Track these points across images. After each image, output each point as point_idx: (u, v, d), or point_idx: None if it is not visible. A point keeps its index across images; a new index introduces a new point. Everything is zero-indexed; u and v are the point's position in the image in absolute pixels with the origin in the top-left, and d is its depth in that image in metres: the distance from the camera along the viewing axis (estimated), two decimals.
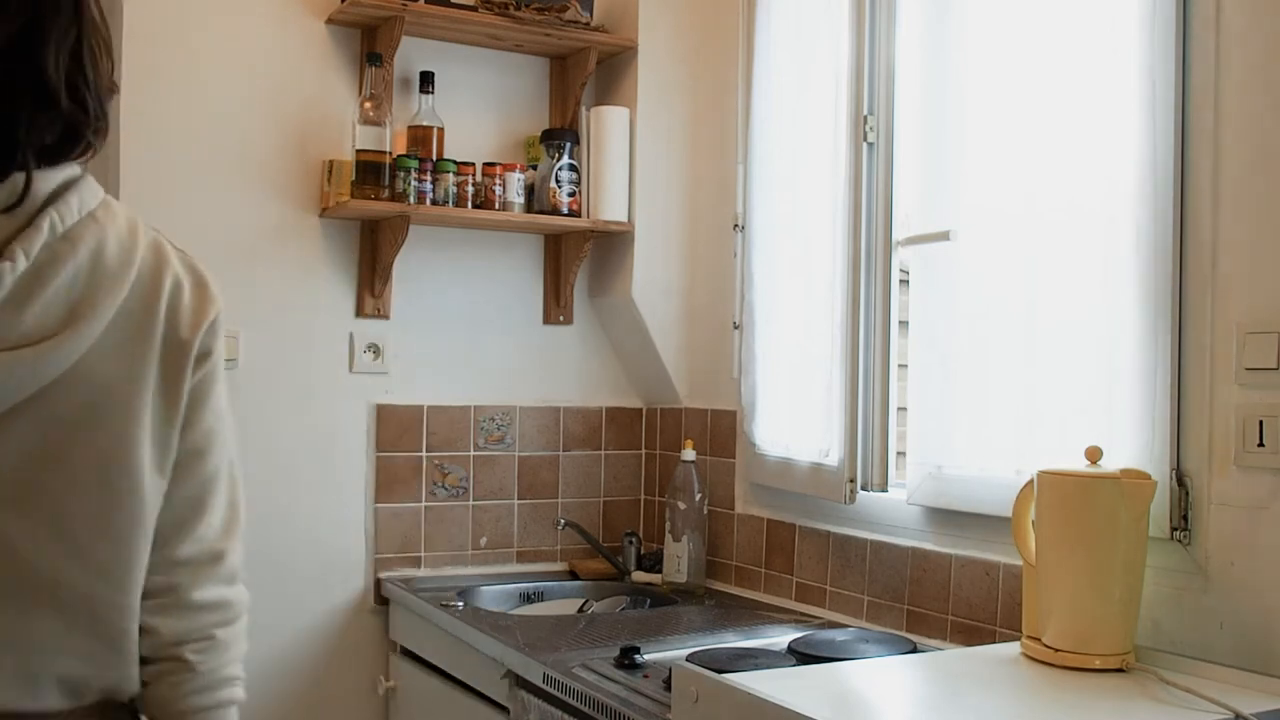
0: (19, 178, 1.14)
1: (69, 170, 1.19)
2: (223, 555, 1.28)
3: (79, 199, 1.18)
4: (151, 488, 1.21)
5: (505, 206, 2.85)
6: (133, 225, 1.25)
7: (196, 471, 1.26)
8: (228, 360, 2.79)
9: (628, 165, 2.95)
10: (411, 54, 2.84)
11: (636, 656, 2.05)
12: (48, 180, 1.16)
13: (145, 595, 1.22)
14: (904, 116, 2.42)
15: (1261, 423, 1.69)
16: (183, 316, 1.28)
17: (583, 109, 2.98)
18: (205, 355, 1.28)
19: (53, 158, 1.17)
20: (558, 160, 2.89)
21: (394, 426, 2.87)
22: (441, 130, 2.83)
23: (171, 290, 1.29)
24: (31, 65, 1.14)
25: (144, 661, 1.23)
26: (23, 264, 1.11)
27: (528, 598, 2.84)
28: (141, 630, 1.23)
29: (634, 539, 3.01)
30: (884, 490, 2.44)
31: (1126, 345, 1.86)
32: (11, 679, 1.15)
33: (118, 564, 1.20)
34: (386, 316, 2.87)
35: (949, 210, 2.19)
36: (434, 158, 2.79)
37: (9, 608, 1.15)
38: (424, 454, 2.91)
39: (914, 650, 2.06)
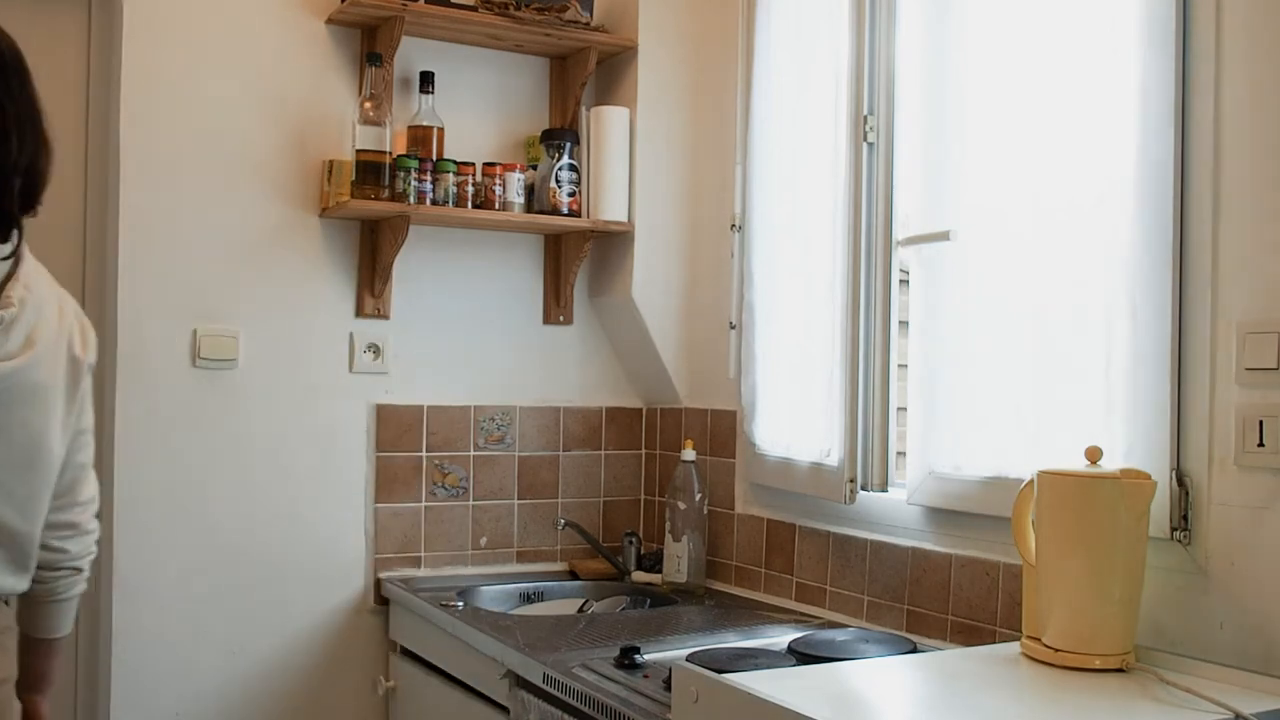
0: (15, 235, 1.67)
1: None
2: (96, 498, 1.89)
3: (28, 258, 1.70)
4: (58, 457, 1.77)
5: (505, 206, 2.85)
6: (47, 275, 1.75)
7: (84, 446, 1.84)
8: (227, 360, 2.81)
9: (628, 165, 2.95)
10: (411, 54, 2.84)
11: (636, 656, 2.05)
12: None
13: (55, 528, 1.80)
14: (904, 116, 2.42)
15: (1261, 423, 1.69)
16: (78, 343, 1.77)
17: (583, 109, 2.98)
18: (89, 369, 1.81)
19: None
20: (558, 160, 2.89)
21: (394, 426, 2.87)
22: (441, 130, 2.83)
23: (71, 324, 1.77)
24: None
25: (47, 568, 1.81)
26: (14, 309, 1.64)
27: (528, 598, 2.84)
28: (53, 549, 1.81)
29: (634, 539, 3.01)
30: (884, 490, 2.44)
31: (1126, 345, 1.86)
32: None
33: (34, 508, 1.74)
34: (386, 316, 2.87)
35: (949, 210, 2.19)
36: (434, 158, 2.79)
37: None
38: (424, 454, 2.91)
39: (914, 650, 2.06)
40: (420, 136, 2.81)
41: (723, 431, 2.88)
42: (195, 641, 2.67)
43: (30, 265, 1.70)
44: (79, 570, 1.87)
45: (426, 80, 2.82)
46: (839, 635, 2.17)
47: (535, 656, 2.13)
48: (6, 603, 1.77)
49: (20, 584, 1.77)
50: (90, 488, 1.87)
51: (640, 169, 2.97)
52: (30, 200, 1.67)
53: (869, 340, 2.45)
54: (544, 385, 3.06)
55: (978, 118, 2.13)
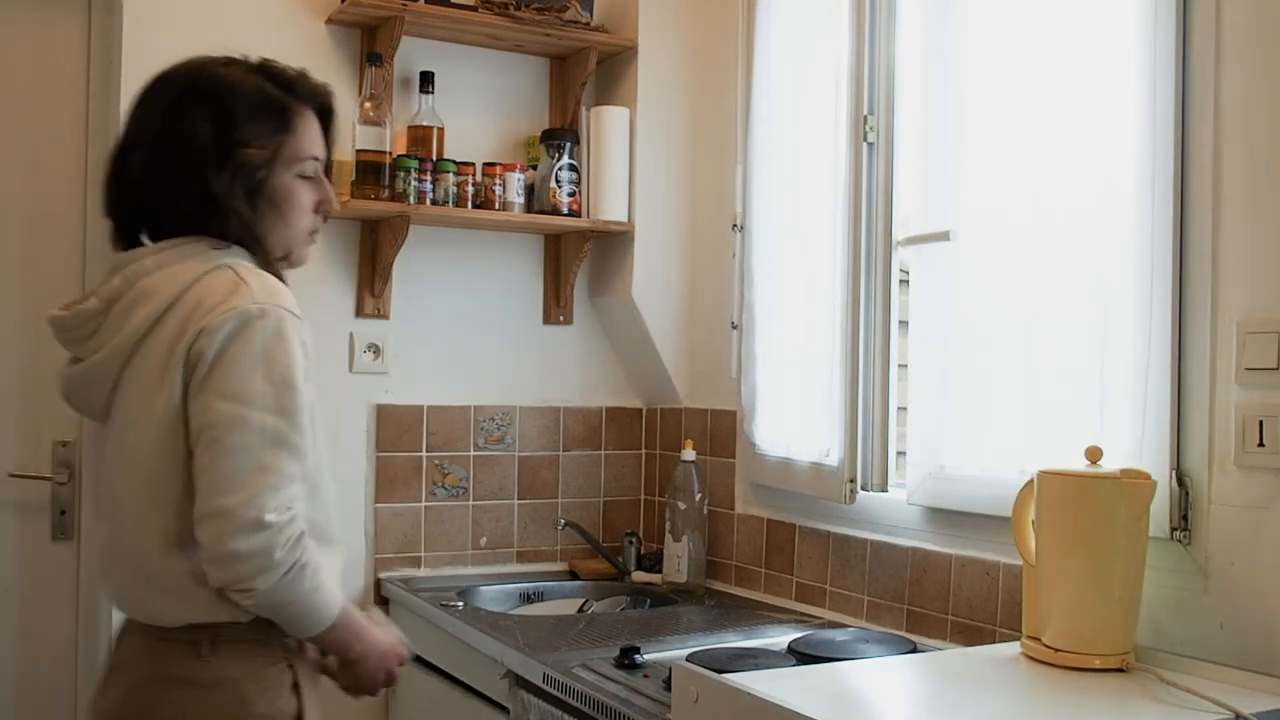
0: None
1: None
2: (226, 512, 1.51)
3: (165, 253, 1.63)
4: (149, 456, 1.58)
5: (505, 206, 2.85)
6: (190, 267, 1.61)
7: (204, 447, 1.54)
8: None
9: (628, 165, 2.95)
10: (411, 54, 2.84)
11: (636, 656, 2.05)
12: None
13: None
14: (904, 116, 2.42)
15: (1261, 423, 1.69)
16: (184, 336, 1.57)
17: (583, 109, 2.98)
18: (198, 357, 1.55)
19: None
20: (558, 160, 2.89)
21: (394, 426, 2.87)
22: (441, 130, 2.83)
23: (183, 319, 1.58)
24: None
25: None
26: (94, 303, 1.63)
27: (528, 598, 2.84)
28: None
29: (634, 539, 3.01)
30: (884, 490, 2.44)
31: (1126, 345, 1.86)
32: None
33: (130, 514, 1.62)
34: (386, 316, 2.87)
35: (949, 210, 2.19)
36: (434, 158, 2.79)
37: None
38: (424, 454, 2.91)
39: (914, 650, 2.06)
40: (420, 136, 2.81)
41: (723, 431, 2.88)
42: None
43: (156, 262, 1.60)
44: (246, 592, 1.53)
45: (426, 80, 2.82)
46: (839, 635, 2.17)
47: (535, 656, 2.13)
48: (195, 645, 1.58)
49: (164, 609, 1.58)
50: (210, 500, 1.52)
51: (640, 169, 2.97)
52: (146, 215, 1.65)
53: (869, 340, 2.45)
54: (544, 385, 3.06)
55: (978, 118, 2.13)
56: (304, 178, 1.70)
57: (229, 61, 1.68)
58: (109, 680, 1.67)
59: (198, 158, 1.60)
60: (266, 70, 1.69)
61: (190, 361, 1.53)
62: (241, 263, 1.62)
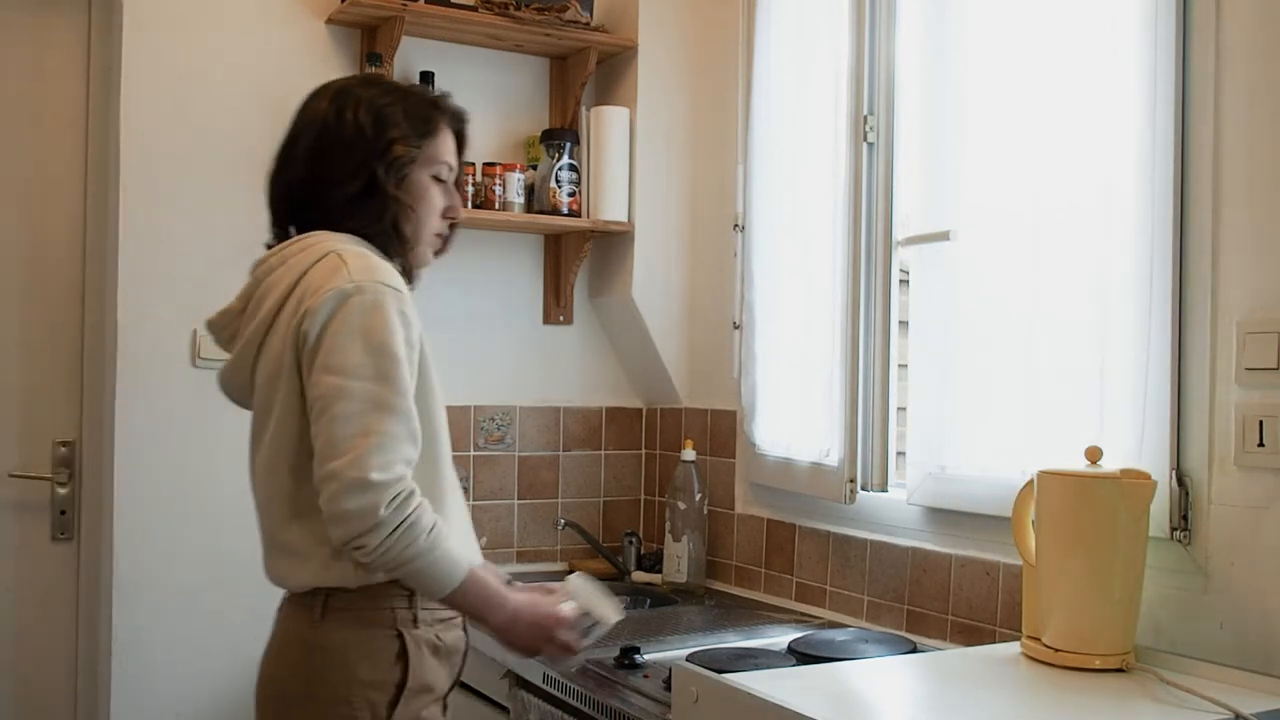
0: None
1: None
2: (335, 475, 1.60)
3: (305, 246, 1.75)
4: (277, 428, 1.73)
5: (505, 206, 2.85)
6: (310, 256, 1.74)
7: (317, 415, 1.65)
8: (225, 360, 2.80)
9: (628, 165, 2.95)
10: (411, 54, 2.84)
11: (636, 656, 2.05)
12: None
13: None
14: (904, 116, 2.42)
15: (1261, 423, 1.69)
16: (300, 319, 1.70)
17: (583, 109, 2.98)
18: (304, 337, 1.68)
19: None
20: (558, 160, 2.89)
21: None
22: None
23: (296, 304, 1.71)
24: None
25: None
26: (236, 304, 1.83)
27: None
28: None
29: (634, 539, 3.01)
30: (884, 490, 2.44)
31: (1126, 345, 1.86)
32: None
33: (260, 482, 1.79)
34: None
35: (949, 210, 2.19)
36: None
37: None
38: None
39: (914, 650, 2.06)
40: None
41: (723, 431, 2.88)
42: (195, 642, 2.67)
43: (280, 258, 1.75)
44: (360, 549, 1.60)
45: (426, 80, 2.82)
46: (839, 635, 2.17)
47: (535, 657, 2.13)
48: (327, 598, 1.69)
49: (289, 573, 1.72)
50: (322, 465, 1.61)
51: (640, 169, 2.97)
52: (302, 207, 1.81)
53: (869, 340, 2.45)
54: (544, 385, 3.06)
55: (978, 118, 2.13)
56: (438, 181, 1.83)
57: (376, 79, 1.90)
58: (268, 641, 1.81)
59: (360, 150, 1.75)
60: (414, 88, 1.90)
61: (298, 343, 1.66)
62: (351, 247, 1.72)
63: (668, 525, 2.83)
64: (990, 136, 2.10)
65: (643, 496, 3.17)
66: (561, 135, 2.91)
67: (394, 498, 1.59)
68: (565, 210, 2.90)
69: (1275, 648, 1.66)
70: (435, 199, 1.83)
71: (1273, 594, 1.68)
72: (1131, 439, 1.84)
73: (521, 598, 1.76)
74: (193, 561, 2.67)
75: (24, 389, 2.69)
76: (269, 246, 1.82)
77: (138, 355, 2.63)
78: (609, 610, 1.78)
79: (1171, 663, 1.70)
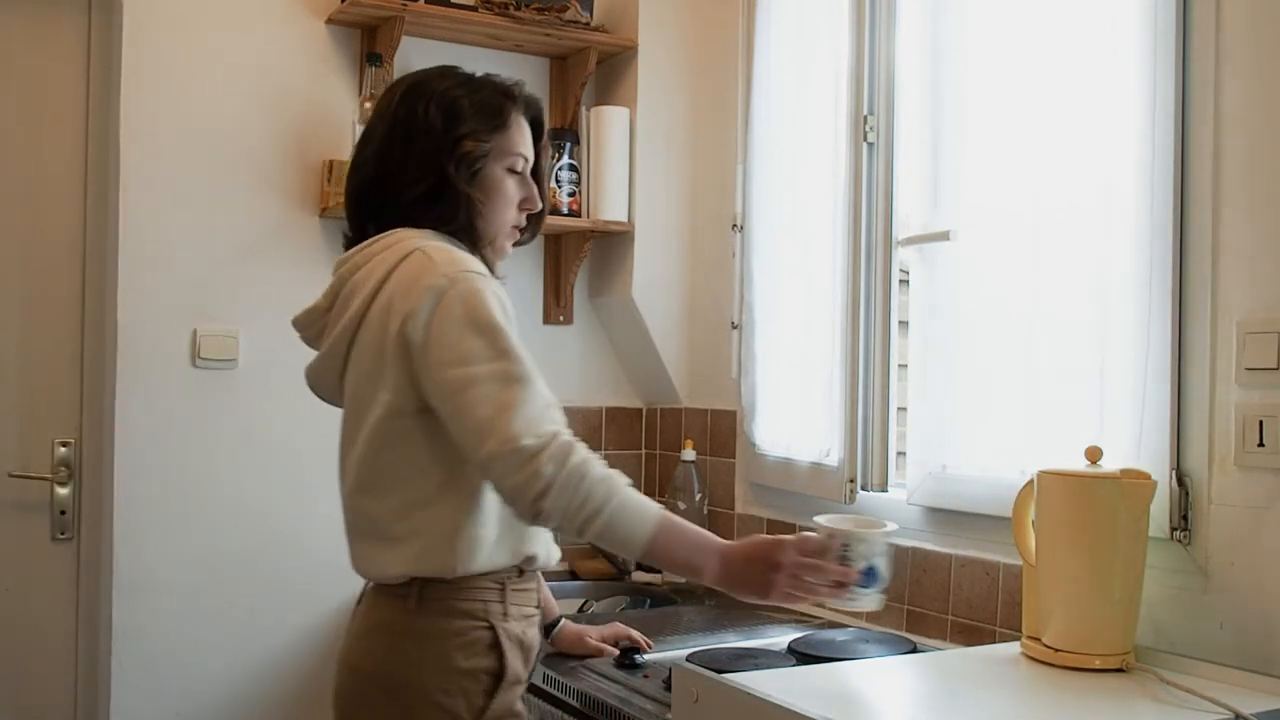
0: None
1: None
2: (491, 455, 1.60)
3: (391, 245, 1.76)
4: (375, 417, 1.74)
5: None
6: (397, 256, 1.74)
7: (444, 398, 1.66)
8: (227, 360, 2.81)
9: (628, 165, 2.95)
10: (411, 54, 2.84)
11: (636, 656, 2.05)
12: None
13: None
14: (904, 116, 2.42)
15: (1261, 423, 1.69)
16: (392, 317, 1.71)
17: (583, 109, 2.98)
18: (406, 337, 1.68)
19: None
20: (558, 160, 2.89)
21: None
22: None
23: (386, 302, 1.73)
24: None
25: None
26: (321, 302, 1.85)
27: None
28: None
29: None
30: (884, 490, 2.44)
31: (1126, 345, 1.86)
32: None
33: (351, 472, 1.83)
34: None
35: (949, 210, 2.19)
36: None
37: None
38: None
39: (914, 650, 2.06)
40: None
41: (723, 431, 2.88)
42: (195, 642, 2.67)
43: (364, 256, 1.75)
44: (540, 516, 1.59)
45: None
46: (839, 635, 2.17)
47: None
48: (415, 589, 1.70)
49: (387, 565, 1.72)
50: (476, 452, 1.60)
51: (640, 169, 2.97)
52: (376, 205, 1.80)
53: (869, 340, 2.45)
54: None
55: (978, 118, 2.13)
56: (513, 173, 1.83)
57: (450, 70, 1.84)
58: (346, 633, 1.83)
59: (430, 147, 1.75)
60: (488, 78, 1.84)
61: (404, 345, 1.66)
62: (435, 243, 1.73)
63: None
64: (990, 136, 2.10)
65: None
66: (561, 135, 2.91)
67: (553, 455, 1.57)
68: (565, 210, 2.90)
69: (1275, 648, 1.66)
70: (510, 192, 1.82)
71: (1273, 594, 1.68)
72: (1131, 439, 1.84)
73: (727, 543, 1.67)
74: (193, 561, 2.67)
75: (24, 389, 2.70)
76: (348, 244, 1.83)
77: (138, 355, 2.63)
78: (872, 528, 1.58)
79: (1171, 663, 1.70)
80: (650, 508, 1.63)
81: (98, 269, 2.71)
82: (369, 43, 2.81)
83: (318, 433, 2.78)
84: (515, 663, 1.74)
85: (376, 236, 1.77)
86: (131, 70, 2.63)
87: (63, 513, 2.72)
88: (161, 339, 2.65)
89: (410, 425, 1.69)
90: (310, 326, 1.85)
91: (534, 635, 1.81)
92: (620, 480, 1.62)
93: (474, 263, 1.72)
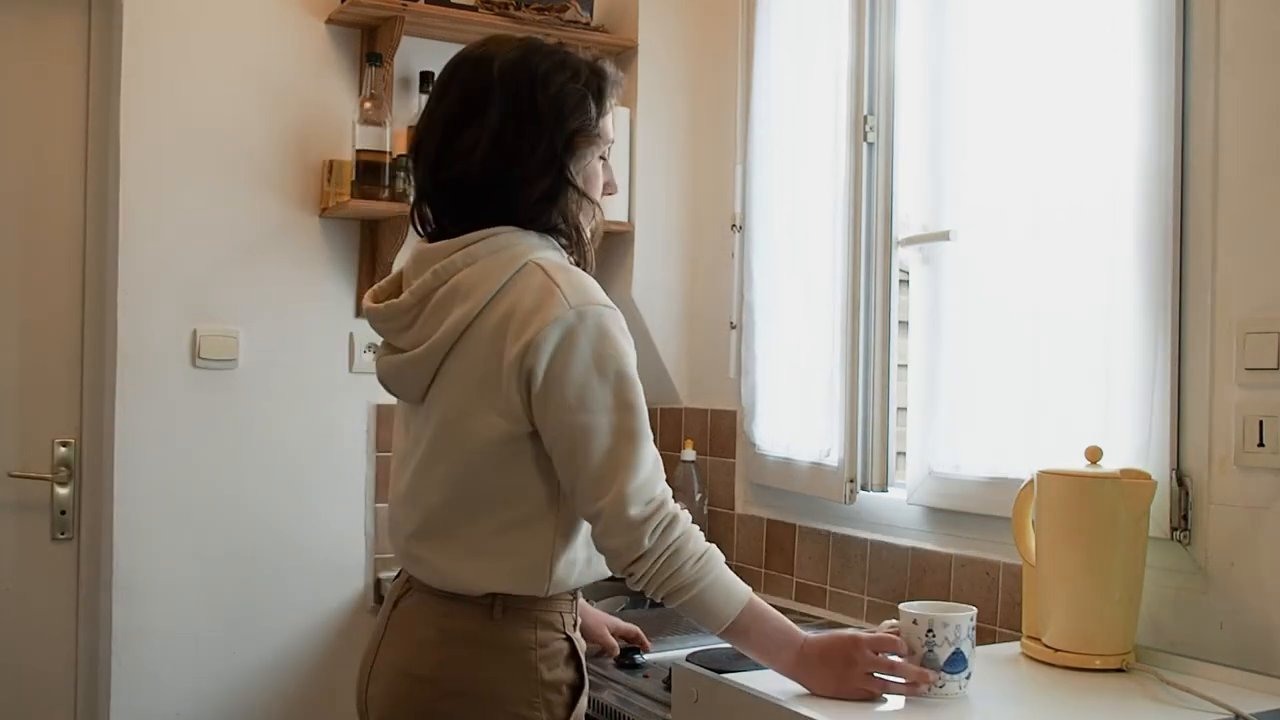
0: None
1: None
2: (604, 512, 1.58)
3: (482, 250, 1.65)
4: (480, 440, 1.64)
5: None
6: (510, 266, 1.64)
7: (556, 441, 1.61)
8: (227, 360, 2.81)
9: (628, 165, 2.95)
10: (411, 54, 2.84)
11: (636, 656, 2.05)
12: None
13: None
14: (904, 116, 2.42)
15: (1261, 423, 1.69)
16: (506, 341, 1.62)
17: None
18: (526, 367, 1.61)
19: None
20: None
21: (394, 426, 2.87)
22: None
23: (505, 323, 1.63)
24: None
25: None
26: (407, 299, 1.69)
27: None
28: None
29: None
30: (884, 490, 2.44)
31: (1126, 345, 1.86)
32: None
33: (437, 485, 1.70)
34: None
35: (949, 210, 2.19)
36: None
37: None
38: None
39: None
40: None
41: (723, 431, 2.88)
42: (195, 641, 2.67)
43: (465, 257, 1.63)
44: (630, 577, 1.59)
45: (426, 80, 2.82)
46: None
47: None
48: (490, 609, 1.64)
49: (475, 580, 1.64)
50: (587, 505, 1.59)
51: (640, 169, 2.96)
52: (472, 207, 1.67)
53: (869, 340, 2.45)
54: None
55: (978, 118, 2.13)
56: (602, 159, 1.73)
57: (536, 46, 1.68)
58: (387, 640, 1.73)
59: (550, 141, 1.63)
60: (579, 57, 1.70)
61: (523, 375, 1.57)
62: (546, 255, 1.64)
63: None
64: (990, 136, 2.10)
65: None
66: None
67: (656, 526, 1.56)
68: None
69: (1275, 648, 1.66)
70: (601, 179, 1.74)
71: (1273, 594, 1.68)
72: (1131, 439, 1.84)
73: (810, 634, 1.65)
74: (193, 561, 2.67)
75: (24, 389, 2.69)
76: (426, 236, 1.72)
77: (138, 355, 2.63)
78: (956, 613, 1.53)
79: (1171, 663, 1.70)
80: (739, 592, 1.63)
81: (98, 269, 2.71)
82: (369, 43, 2.81)
83: (318, 433, 2.79)
84: (587, 673, 1.73)
85: (473, 235, 1.63)
86: (131, 70, 2.63)
87: (63, 513, 2.72)
88: (161, 339, 2.65)
89: (521, 450, 1.62)
90: (392, 320, 1.69)
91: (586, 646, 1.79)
92: (716, 560, 1.62)
93: (597, 291, 1.63)
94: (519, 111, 1.62)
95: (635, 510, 1.55)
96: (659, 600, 1.61)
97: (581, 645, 1.72)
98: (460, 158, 1.63)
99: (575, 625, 1.72)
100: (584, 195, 1.68)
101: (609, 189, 1.77)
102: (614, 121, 1.74)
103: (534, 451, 1.62)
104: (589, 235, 1.72)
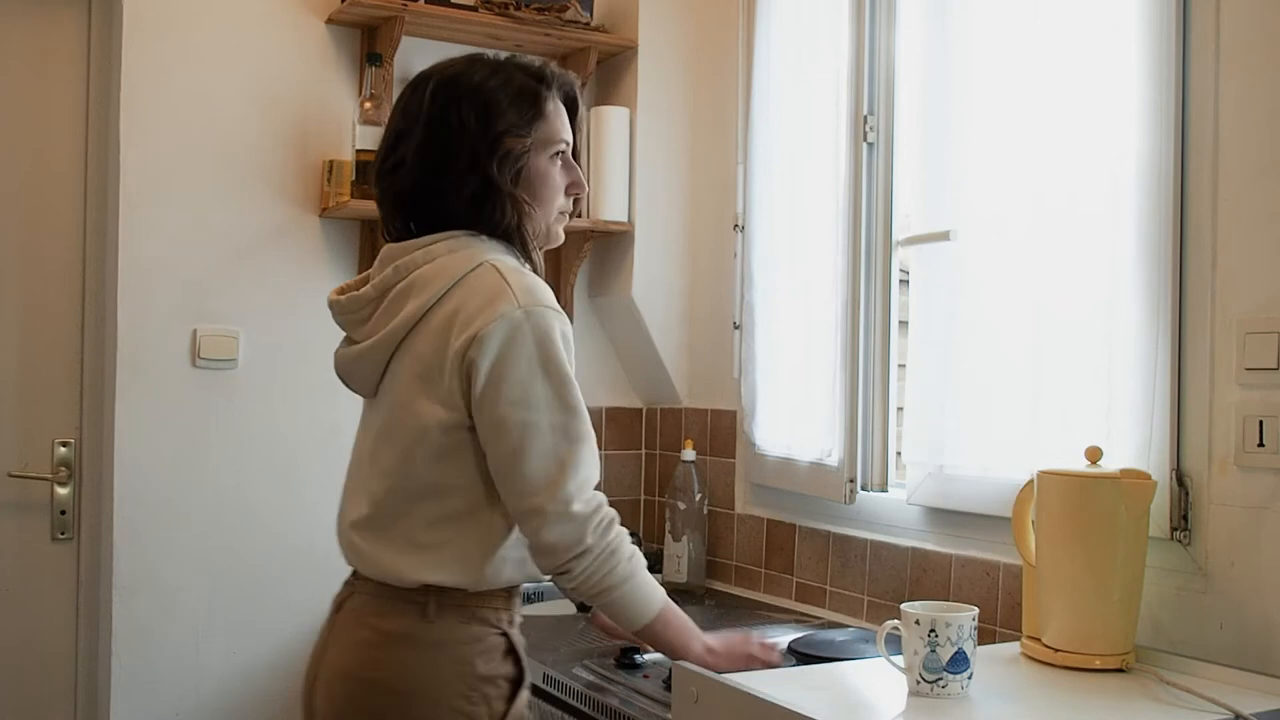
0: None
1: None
2: (538, 508, 1.65)
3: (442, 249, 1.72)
4: (421, 429, 1.71)
5: None
6: (467, 266, 1.70)
7: (495, 437, 1.66)
8: (227, 360, 2.81)
9: (628, 165, 2.95)
10: (411, 54, 2.84)
11: (636, 656, 2.05)
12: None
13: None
14: (904, 116, 2.42)
15: (1261, 423, 1.69)
16: (452, 335, 1.68)
17: (582, 109, 2.97)
18: (466, 359, 1.66)
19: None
20: None
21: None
22: None
23: (452, 318, 1.69)
24: None
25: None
26: (367, 291, 1.77)
27: (528, 598, 2.83)
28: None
29: (634, 539, 2.99)
30: (884, 490, 2.44)
31: (1126, 345, 1.86)
32: None
33: (386, 474, 1.77)
34: None
35: (949, 210, 2.19)
36: None
37: None
38: None
39: None
40: None
41: (723, 431, 2.88)
42: (195, 642, 2.67)
43: (426, 255, 1.70)
44: (565, 575, 1.66)
45: None
46: (839, 635, 2.17)
47: (535, 656, 2.13)
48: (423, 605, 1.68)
49: (405, 570, 1.68)
50: (523, 500, 1.64)
51: (640, 169, 2.97)
52: (418, 205, 1.75)
53: (869, 340, 2.45)
54: None
55: (978, 118, 2.13)
56: (557, 159, 1.79)
57: (477, 59, 1.78)
58: (331, 640, 1.77)
59: (472, 148, 1.70)
60: (516, 63, 1.79)
61: (465, 368, 1.63)
62: (503, 259, 1.70)
63: (668, 525, 2.83)
64: (991, 136, 2.10)
65: (643, 496, 3.17)
66: None
67: (597, 524, 1.64)
68: None
69: (1275, 648, 1.67)
70: (556, 180, 1.79)
71: (1273, 594, 1.68)
72: (1131, 439, 1.84)
73: (704, 636, 1.78)
74: (193, 561, 2.67)
75: (24, 389, 2.70)
76: (391, 240, 1.77)
77: (138, 355, 2.63)
78: (957, 613, 1.54)
79: (1171, 663, 1.70)
80: (658, 589, 1.73)
81: (98, 269, 2.71)
82: (369, 43, 2.81)
83: (317, 433, 2.79)
84: (527, 668, 1.76)
85: (436, 236, 1.71)
86: (131, 70, 2.63)
87: (63, 513, 2.72)
88: (161, 339, 2.65)
89: (460, 442, 1.67)
90: (353, 313, 1.78)
91: (524, 641, 1.83)
92: (640, 559, 1.71)
93: (547, 294, 1.68)
94: (444, 122, 1.70)
95: (578, 507, 1.62)
96: (588, 598, 1.68)
97: (520, 641, 1.75)
98: (396, 170, 1.74)
99: (513, 621, 1.75)
100: (517, 197, 1.72)
101: (572, 189, 1.82)
102: (565, 124, 1.80)
103: (473, 445, 1.67)
104: (531, 235, 1.76)
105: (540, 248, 1.80)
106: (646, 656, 2.07)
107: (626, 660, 2.05)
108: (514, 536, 1.71)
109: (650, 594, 1.71)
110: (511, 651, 1.73)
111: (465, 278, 1.66)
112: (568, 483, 1.62)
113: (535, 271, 1.75)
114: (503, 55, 1.79)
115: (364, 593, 1.76)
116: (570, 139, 1.81)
